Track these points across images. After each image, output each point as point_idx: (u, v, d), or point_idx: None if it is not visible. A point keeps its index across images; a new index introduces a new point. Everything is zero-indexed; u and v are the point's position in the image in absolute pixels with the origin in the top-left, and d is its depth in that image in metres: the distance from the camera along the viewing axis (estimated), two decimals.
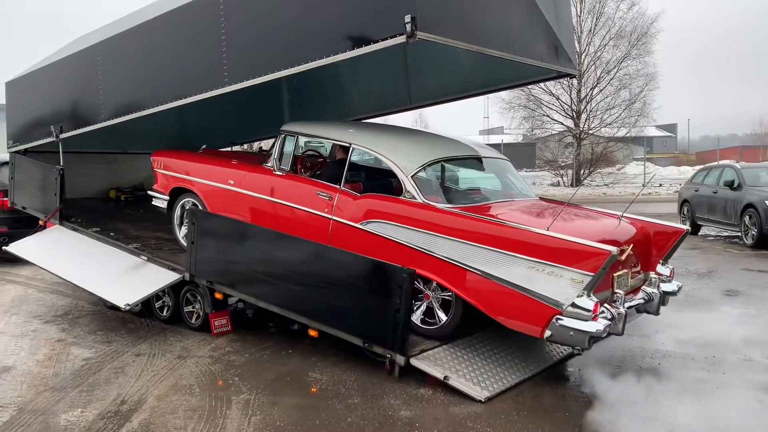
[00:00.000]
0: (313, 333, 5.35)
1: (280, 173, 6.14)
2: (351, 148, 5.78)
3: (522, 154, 43.26)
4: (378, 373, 4.98)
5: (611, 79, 30.64)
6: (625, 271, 5.04)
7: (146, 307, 6.73)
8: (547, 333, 4.47)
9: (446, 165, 6.18)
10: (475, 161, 6.36)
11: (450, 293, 5.06)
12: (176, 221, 7.00)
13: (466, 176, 6.58)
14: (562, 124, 31.98)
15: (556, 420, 4.24)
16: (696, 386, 4.76)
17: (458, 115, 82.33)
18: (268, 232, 5.70)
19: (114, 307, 6.50)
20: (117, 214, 8.59)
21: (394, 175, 5.48)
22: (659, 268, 5.44)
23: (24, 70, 8.54)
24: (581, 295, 4.33)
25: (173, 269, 6.30)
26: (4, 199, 9.11)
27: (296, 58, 5.10)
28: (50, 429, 4.15)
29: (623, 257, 4.60)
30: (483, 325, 5.28)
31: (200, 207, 6.60)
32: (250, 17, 5.57)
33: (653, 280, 5.29)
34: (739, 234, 12.16)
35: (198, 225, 6.09)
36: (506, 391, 4.68)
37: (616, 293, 4.79)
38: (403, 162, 5.46)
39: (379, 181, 5.75)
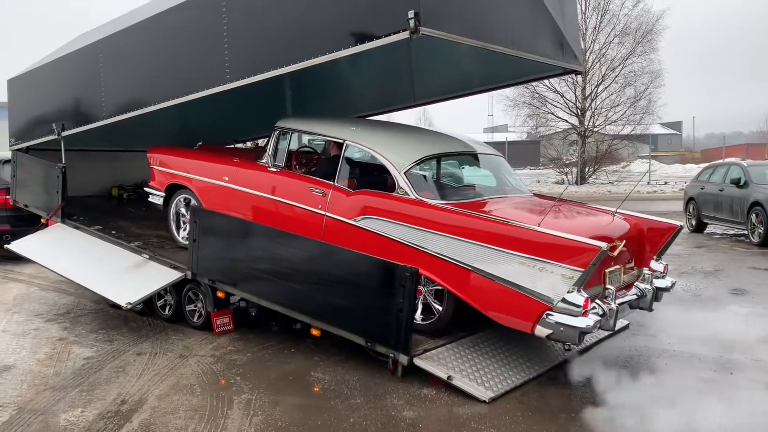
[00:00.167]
0: (315, 332, 5.31)
1: (275, 170, 6.11)
2: (345, 145, 5.75)
3: (526, 152, 43.25)
4: (381, 372, 4.94)
5: (616, 77, 30.58)
6: (618, 267, 5.01)
7: (148, 306, 6.70)
8: (538, 329, 4.44)
9: (447, 162, 6.13)
10: (469, 157, 6.33)
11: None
12: (172, 218, 6.98)
13: (461, 173, 6.54)
14: (566, 121, 31.91)
15: (562, 421, 4.19)
16: (703, 387, 4.71)
17: (462, 113, 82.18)
18: (271, 231, 5.66)
19: (116, 306, 6.47)
20: (119, 212, 8.56)
21: (388, 172, 5.44)
22: (653, 264, 5.43)
23: (26, 67, 8.52)
24: (571, 291, 4.31)
25: (175, 268, 6.27)
26: (6, 197, 9.10)
27: (299, 55, 5.06)
28: (50, 429, 4.12)
29: (615, 253, 4.58)
30: (486, 325, 5.22)
31: (195, 203, 6.56)
32: (252, 13, 5.54)
33: (646, 276, 5.27)
34: (746, 232, 12.07)
35: (200, 223, 6.05)
36: (511, 391, 4.63)
37: (607, 289, 4.76)
38: (396, 158, 5.43)
39: (373, 177, 5.70)
